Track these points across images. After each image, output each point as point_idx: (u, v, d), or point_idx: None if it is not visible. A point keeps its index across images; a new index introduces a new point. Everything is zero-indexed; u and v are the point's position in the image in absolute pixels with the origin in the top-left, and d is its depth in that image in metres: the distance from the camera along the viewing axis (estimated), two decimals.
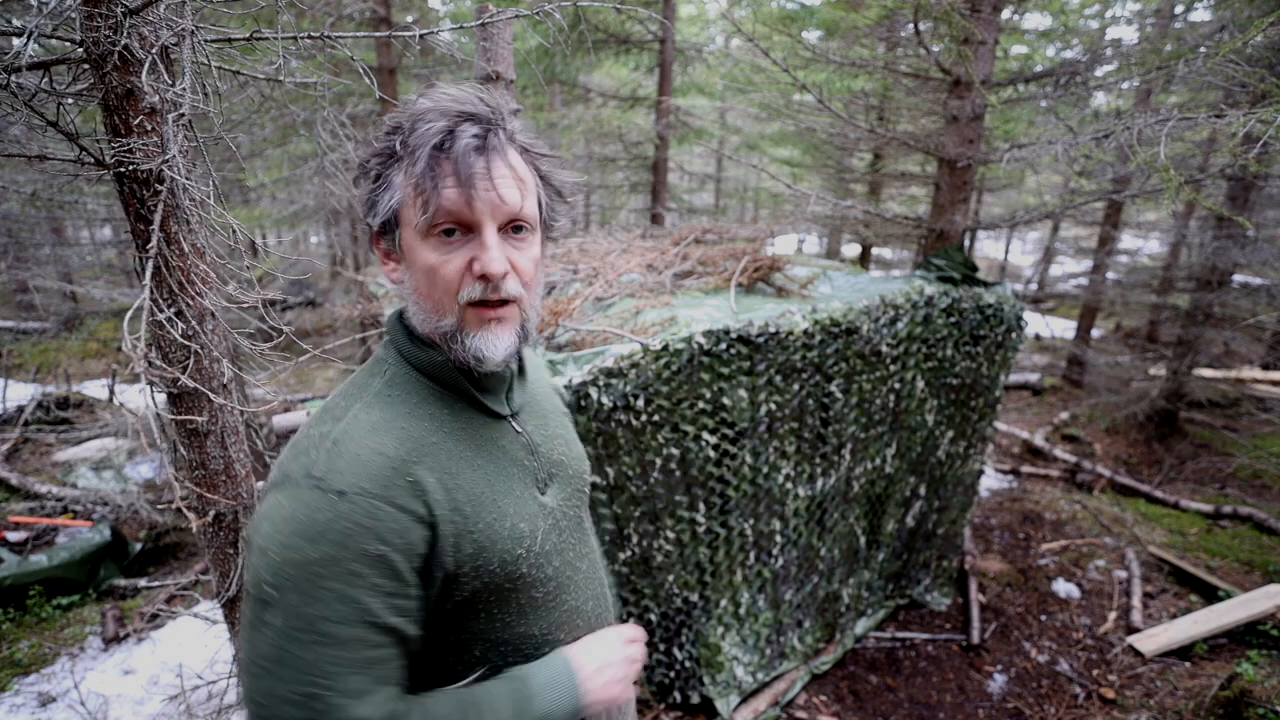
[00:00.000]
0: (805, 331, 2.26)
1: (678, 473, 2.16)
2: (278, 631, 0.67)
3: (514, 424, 0.90)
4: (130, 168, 1.14)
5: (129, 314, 1.08)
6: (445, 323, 0.77)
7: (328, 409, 0.80)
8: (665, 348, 2.00)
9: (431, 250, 0.75)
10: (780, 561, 2.55)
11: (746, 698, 2.60)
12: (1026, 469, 5.25)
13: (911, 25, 3.28)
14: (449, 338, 0.78)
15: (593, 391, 1.92)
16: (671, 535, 2.23)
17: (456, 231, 0.74)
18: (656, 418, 2.04)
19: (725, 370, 2.12)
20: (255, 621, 0.68)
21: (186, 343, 1.27)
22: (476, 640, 0.85)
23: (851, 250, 12.49)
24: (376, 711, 0.70)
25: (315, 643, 0.66)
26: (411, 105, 0.77)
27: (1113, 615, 3.30)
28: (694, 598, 2.36)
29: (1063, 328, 10.60)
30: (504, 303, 0.77)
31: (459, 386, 0.84)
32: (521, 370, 0.94)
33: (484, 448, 0.84)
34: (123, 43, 1.08)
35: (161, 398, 1.32)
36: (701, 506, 2.25)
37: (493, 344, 0.78)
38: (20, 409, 5.71)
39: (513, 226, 0.77)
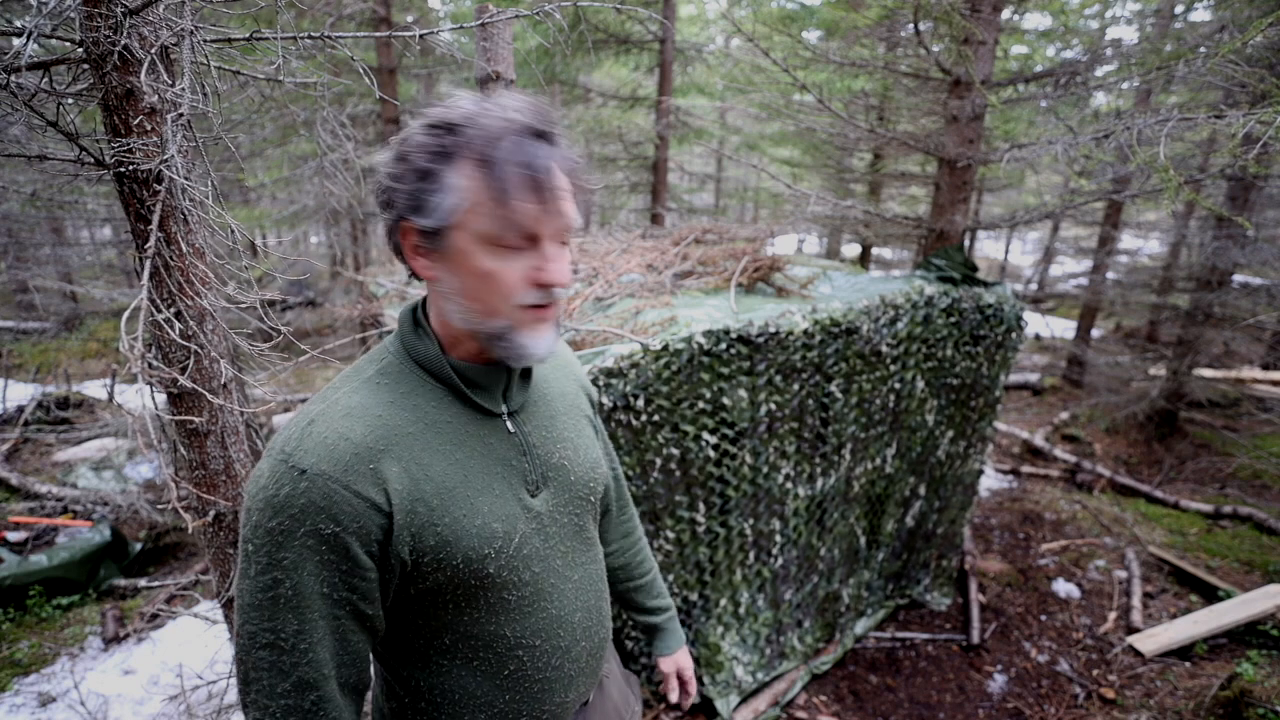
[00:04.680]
0: (805, 331, 2.26)
1: (678, 473, 2.16)
2: (253, 583, 0.74)
3: (508, 423, 0.90)
4: (130, 168, 1.14)
5: (127, 314, 1.08)
6: (496, 323, 0.79)
7: (325, 389, 0.84)
8: (665, 348, 2.00)
9: (491, 258, 0.76)
10: (780, 561, 2.55)
11: (746, 697, 2.60)
12: (1026, 469, 5.25)
13: (911, 25, 3.28)
14: (495, 336, 0.80)
15: (593, 391, 1.92)
16: (671, 535, 2.23)
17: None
18: (656, 418, 2.04)
19: (725, 370, 2.12)
20: (242, 571, 0.75)
21: (186, 343, 1.27)
22: (446, 630, 0.87)
23: (851, 250, 12.49)
24: (337, 675, 0.78)
25: (276, 601, 0.74)
26: (460, 105, 0.76)
27: (1113, 615, 3.30)
28: (694, 597, 2.36)
29: (1063, 328, 10.59)
30: (552, 304, 0.82)
31: (450, 382, 0.85)
32: (527, 370, 0.93)
33: (466, 443, 0.85)
34: (122, 43, 1.08)
35: (161, 398, 1.32)
36: (701, 506, 2.25)
37: (540, 341, 0.82)
38: (20, 409, 5.70)
39: (563, 239, 0.81)
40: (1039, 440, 5.75)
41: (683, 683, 1.31)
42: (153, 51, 1.11)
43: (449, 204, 0.74)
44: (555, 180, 0.75)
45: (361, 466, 0.75)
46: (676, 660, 1.30)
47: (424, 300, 0.88)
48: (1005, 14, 3.81)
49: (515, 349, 0.81)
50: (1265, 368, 6.78)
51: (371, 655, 0.86)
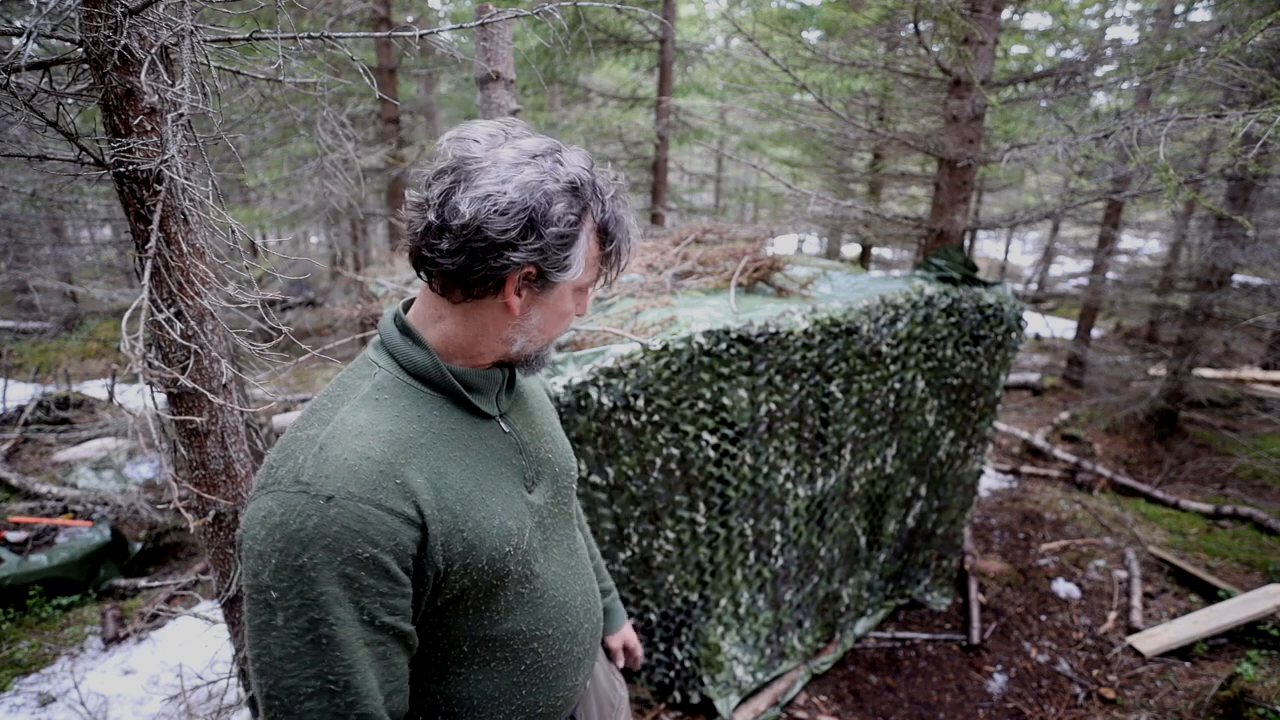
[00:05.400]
0: (805, 331, 2.26)
1: (678, 473, 2.16)
2: (284, 632, 0.69)
3: (502, 424, 0.93)
4: (130, 168, 1.14)
5: (127, 314, 1.08)
6: (547, 349, 0.92)
7: (314, 411, 0.81)
8: (665, 348, 2.00)
9: (573, 301, 0.89)
10: (780, 561, 2.55)
11: (746, 698, 2.60)
12: (1026, 469, 5.24)
13: (911, 25, 3.28)
14: (534, 358, 0.92)
15: (593, 391, 1.92)
16: (671, 535, 2.23)
17: None
18: (656, 418, 2.04)
19: (725, 370, 2.12)
20: (263, 624, 0.70)
21: (186, 343, 1.27)
22: (464, 637, 0.87)
23: (851, 250, 12.49)
24: (386, 704, 0.76)
25: (319, 642, 0.70)
26: (574, 162, 0.80)
27: (1113, 615, 3.30)
28: (694, 598, 2.36)
29: (1063, 328, 10.59)
30: None
31: (450, 389, 0.85)
32: (512, 373, 0.96)
33: (472, 447, 0.86)
34: (122, 43, 1.08)
35: (161, 398, 1.32)
36: (701, 506, 2.25)
37: (553, 354, 0.98)
38: (20, 409, 5.70)
39: None
40: (1039, 440, 5.75)
41: (628, 653, 1.41)
42: (153, 51, 1.11)
43: (578, 262, 0.82)
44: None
45: (388, 483, 0.74)
46: (623, 636, 1.38)
47: (405, 307, 0.89)
48: (1005, 14, 3.81)
49: (542, 364, 0.93)
50: (1265, 368, 6.78)
51: None
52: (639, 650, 1.42)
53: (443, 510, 0.78)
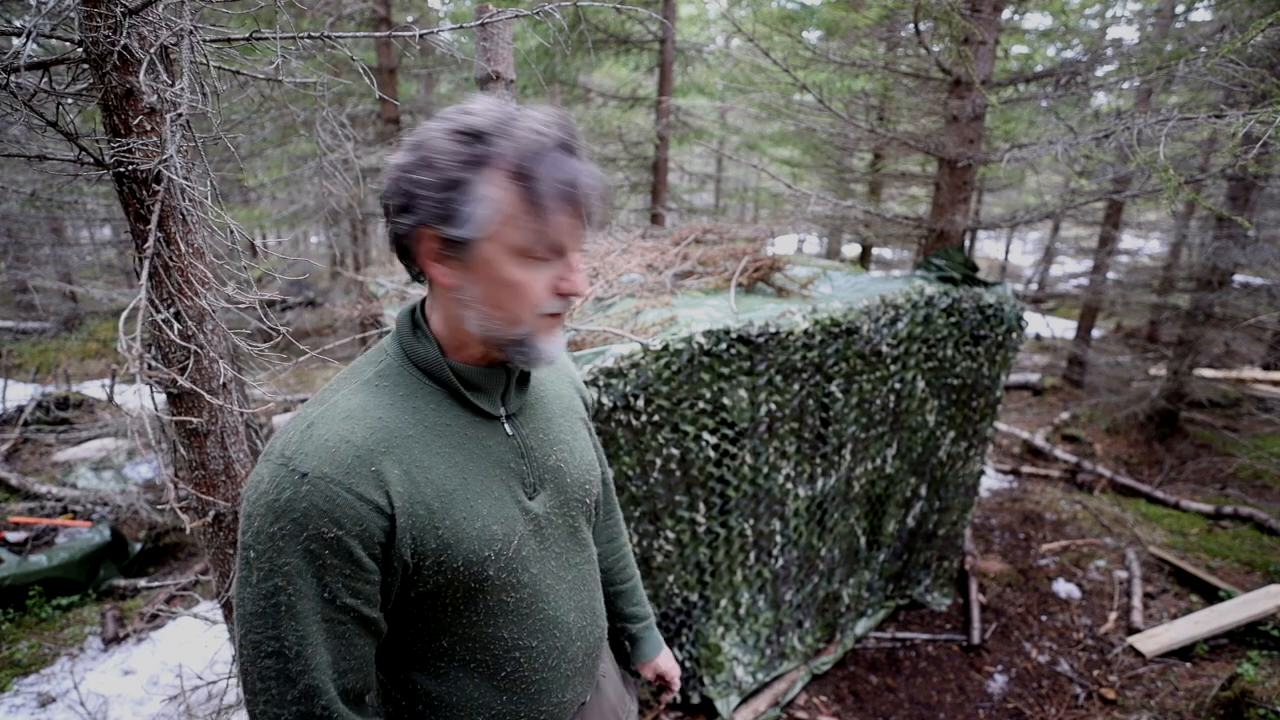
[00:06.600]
0: (805, 331, 2.25)
1: (678, 473, 2.16)
2: (255, 590, 0.73)
3: (506, 425, 0.90)
4: (129, 168, 1.14)
5: (125, 314, 1.08)
6: (518, 331, 0.80)
7: (321, 392, 0.84)
8: (665, 348, 2.00)
9: (520, 269, 0.76)
10: (780, 562, 2.55)
11: (747, 698, 2.60)
12: (1027, 469, 5.24)
13: (911, 25, 3.28)
14: (515, 343, 0.81)
15: (593, 391, 1.92)
16: (671, 535, 2.23)
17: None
18: (656, 418, 2.04)
19: (725, 370, 2.11)
20: (243, 579, 0.74)
21: (185, 343, 1.26)
22: (444, 632, 0.87)
23: (851, 250, 12.49)
24: (340, 681, 0.77)
25: (279, 608, 0.73)
26: (485, 112, 0.74)
27: (1113, 615, 3.29)
28: (694, 598, 2.36)
29: (1063, 328, 10.59)
30: (566, 310, 0.84)
31: (450, 384, 0.84)
32: (525, 373, 0.94)
33: (465, 446, 0.85)
34: (122, 43, 1.07)
35: (161, 398, 1.32)
36: (701, 506, 2.24)
37: (556, 345, 0.84)
38: (20, 409, 5.70)
39: (581, 248, 0.82)
40: (1039, 440, 5.75)
41: (666, 683, 1.34)
42: (152, 51, 1.11)
43: (481, 215, 0.72)
44: (594, 201, 0.76)
45: (363, 469, 0.74)
46: (655, 666, 1.32)
47: (423, 302, 0.88)
48: (1005, 14, 3.81)
49: (533, 354, 0.82)
50: (1266, 368, 6.77)
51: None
52: (676, 683, 1.34)
53: (416, 504, 0.78)
